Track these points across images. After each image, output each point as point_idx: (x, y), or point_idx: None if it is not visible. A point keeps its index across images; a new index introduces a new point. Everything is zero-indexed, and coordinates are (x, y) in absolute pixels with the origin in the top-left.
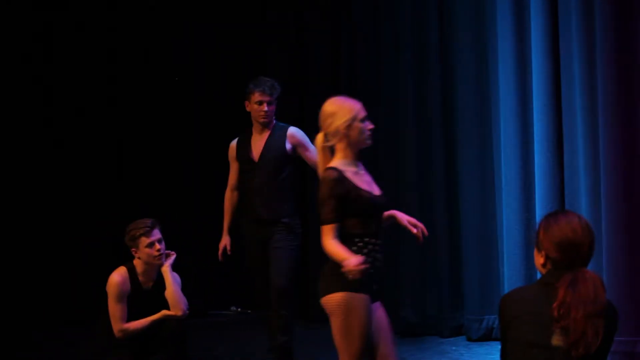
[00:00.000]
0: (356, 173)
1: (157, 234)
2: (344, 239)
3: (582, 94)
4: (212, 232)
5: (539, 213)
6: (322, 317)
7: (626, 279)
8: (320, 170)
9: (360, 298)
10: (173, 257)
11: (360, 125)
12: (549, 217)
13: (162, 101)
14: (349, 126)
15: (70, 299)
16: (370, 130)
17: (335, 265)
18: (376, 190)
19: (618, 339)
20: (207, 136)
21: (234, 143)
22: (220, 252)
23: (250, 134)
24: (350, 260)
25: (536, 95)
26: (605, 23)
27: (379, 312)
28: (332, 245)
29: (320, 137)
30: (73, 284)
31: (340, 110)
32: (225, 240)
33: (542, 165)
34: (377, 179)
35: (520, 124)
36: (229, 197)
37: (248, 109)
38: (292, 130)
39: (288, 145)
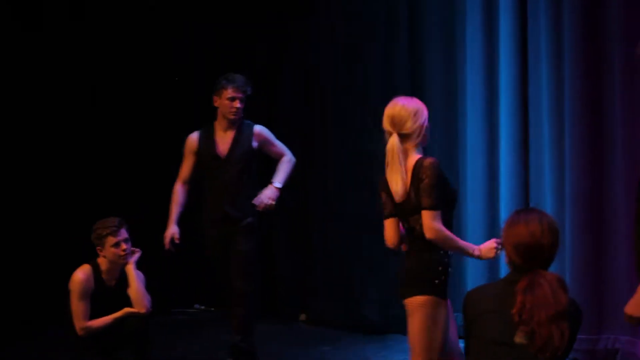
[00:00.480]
0: None
1: (123, 234)
2: None
3: (549, 94)
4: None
5: (504, 211)
6: (289, 316)
7: (589, 278)
8: (397, 171)
9: (444, 303)
10: (137, 254)
11: (428, 125)
12: (511, 217)
13: (127, 99)
14: (426, 126)
15: (30, 298)
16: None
17: (422, 267)
18: None
19: (580, 337)
20: (168, 133)
21: (194, 137)
22: (167, 241)
23: (214, 129)
24: (484, 245)
25: (503, 94)
26: (574, 25)
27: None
28: (446, 232)
29: (395, 138)
30: (36, 282)
31: (420, 110)
32: (172, 230)
33: (508, 164)
34: (347, 176)
35: (486, 124)
36: (179, 190)
37: (216, 104)
38: (258, 128)
39: (254, 143)
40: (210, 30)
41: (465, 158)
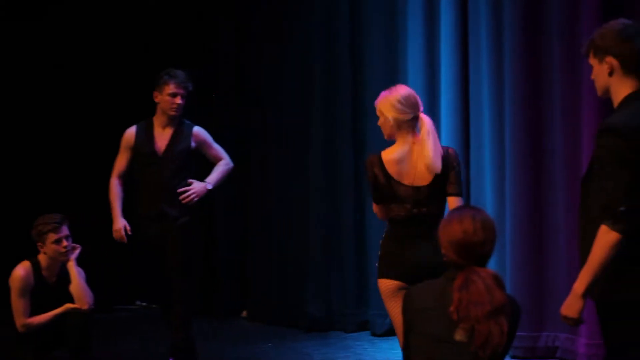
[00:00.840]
0: None
1: (65, 231)
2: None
3: (490, 92)
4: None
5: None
6: (231, 313)
7: (529, 275)
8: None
9: (385, 283)
10: (78, 250)
11: None
12: (447, 216)
13: (64, 94)
14: None
15: None
16: None
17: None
18: None
19: (521, 334)
20: (107, 128)
21: (131, 132)
22: (121, 234)
23: (152, 125)
24: None
25: (444, 93)
26: (514, 22)
27: None
28: None
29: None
30: None
31: None
32: (122, 222)
33: None
34: (287, 174)
35: None
36: (116, 184)
37: (157, 100)
38: (197, 129)
39: (193, 144)
40: (146, 26)
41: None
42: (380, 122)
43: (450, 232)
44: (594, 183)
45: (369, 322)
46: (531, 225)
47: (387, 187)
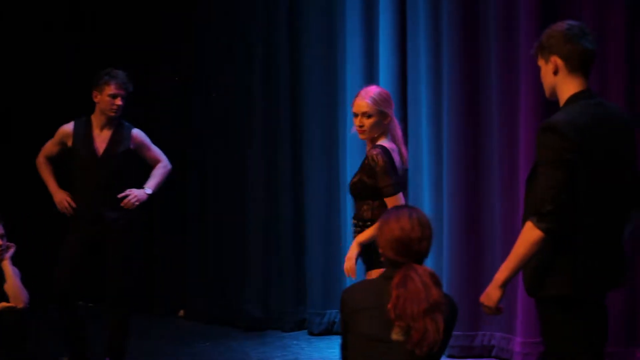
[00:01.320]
0: None
1: None
2: None
3: (428, 92)
4: (53, 224)
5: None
6: (168, 312)
7: (466, 275)
8: None
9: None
10: (12, 249)
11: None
12: (384, 215)
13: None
14: None
15: None
16: None
17: None
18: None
19: (457, 333)
20: (41, 128)
21: (69, 128)
22: (65, 205)
23: (90, 125)
24: None
25: None
26: (452, 23)
27: None
28: None
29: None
30: None
31: None
32: (62, 194)
33: None
34: (226, 174)
35: None
36: (45, 161)
37: (96, 100)
38: (136, 131)
39: (131, 145)
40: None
41: (345, 157)
42: (376, 121)
43: (387, 230)
44: (534, 181)
45: (307, 321)
46: (468, 225)
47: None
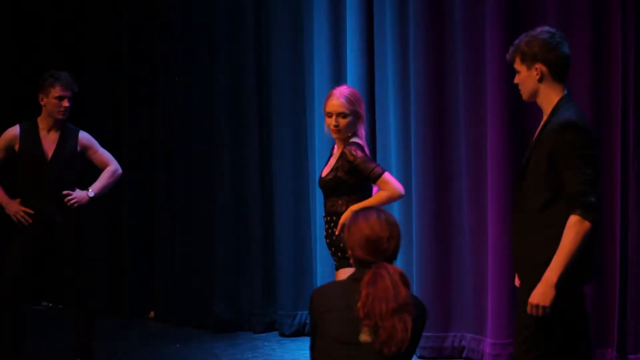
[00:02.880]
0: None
1: None
2: None
3: (395, 93)
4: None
5: None
6: (138, 313)
7: (435, 276)
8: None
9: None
10: None
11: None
12: (351, 218)
13: None
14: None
15: None
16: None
17: None
18: (324, 173)
19: (427, 334)
20: None
21: (14, 132)
22: (22, 214)
23: (37, 127)
24: None
25: None
26: (419, 23)
27: None
28: None
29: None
30: None
31: None
32: (15, 205)
33: None
34: (194, 175)
35: None
36: None
37: (43, 103)
38: (82, 134)
39: (79, 148)
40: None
41: (314, 157)
42: (350, 121)
43: (357, 230)
44: (530, 179)
45: (277, 322)
46: (437, 225)
47: None
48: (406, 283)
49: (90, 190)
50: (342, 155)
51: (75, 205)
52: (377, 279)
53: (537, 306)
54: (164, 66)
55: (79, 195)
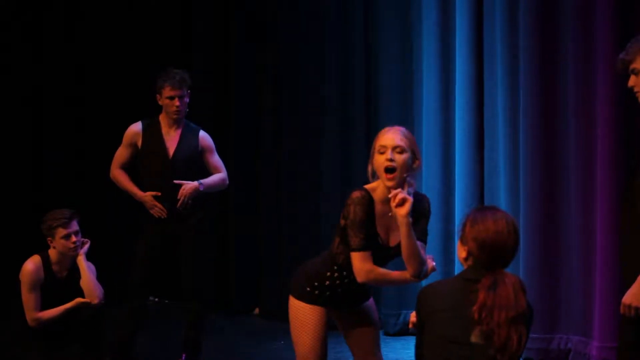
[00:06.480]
0: None
1: (74, 226)
2: None
3: (504, 94)
4: (128, 220)
5: (459, 209)
6: (244, 310)
7: (543, 277)
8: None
9: (318, 310)
10: (87, 245)
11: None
12: (477, 213)
13: (77, 89)
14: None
15: None
16: None
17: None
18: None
19: (534, 336)
20: (116, 126)
21: (137, 128)
22: (160, 208)
23: (159, 125)
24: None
25: (459, 93)
26: (529, 25)
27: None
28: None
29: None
30: None
31: None
32: (147, 196)
33: (463, 162)
34: (300, 171)
35: (442, 122)
36: (120, 172)
37: (160, 103)
38: (203, 134)
39: (199, 148)
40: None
41: (421, 155)
42: (406, 158)
43: (482, 231)
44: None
45: (382, 321)
46: (545, 226)
47: None
48: (525, 291)
49: (201, 182)
50: (421, 202)
51: (187, 195)
52: (499, 285)
53: (629, 306)
54: (272, 74)
55: (189, 186)
